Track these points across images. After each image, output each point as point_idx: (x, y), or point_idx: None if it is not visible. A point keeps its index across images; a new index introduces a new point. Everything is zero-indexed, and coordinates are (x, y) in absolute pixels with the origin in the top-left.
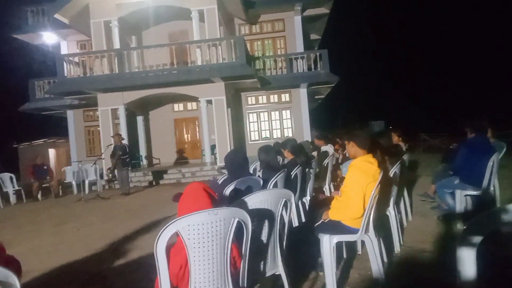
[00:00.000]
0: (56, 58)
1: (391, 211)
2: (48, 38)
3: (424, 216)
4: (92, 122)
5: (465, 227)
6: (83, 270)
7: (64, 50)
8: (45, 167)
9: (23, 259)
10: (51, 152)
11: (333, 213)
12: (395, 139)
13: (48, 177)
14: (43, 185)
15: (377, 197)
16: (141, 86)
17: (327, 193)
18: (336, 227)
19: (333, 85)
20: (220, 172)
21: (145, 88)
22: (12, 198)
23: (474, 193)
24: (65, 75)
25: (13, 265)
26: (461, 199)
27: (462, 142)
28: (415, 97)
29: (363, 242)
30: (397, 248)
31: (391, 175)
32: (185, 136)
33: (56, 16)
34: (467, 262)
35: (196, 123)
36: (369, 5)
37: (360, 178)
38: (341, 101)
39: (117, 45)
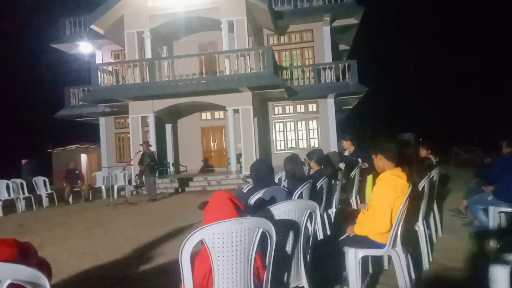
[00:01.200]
0: (91, 67)
1: (420, 227)
2: (84, 47)
3: (455, 232)
4: (122, 129)
5: (498, 245)
6: (110, 274)
7: (98, 59)
8: (77, 172)
9: (54, 260)
10: (83, 158)
11: (359, 228)
12: (423, 152)
13: (79, 182)
14: (74, 189)
15: (405, 212)
16: (170, 94)
17: (354, 206)
18: (362, 241)
19: (361, 95)
20: (245, 181)
21: (174, 97)
22: (45, 201)
23: (509, 210)
24: (99, 83)
25: (44, 267)
26: (495, 216)
27: (497, 156)
28: (447, 109)
29: (390, 257)
30: (426, 265)
31: (420, 189)
32: (212, 144)
33: (92, 26)
34: (500, 281)
35: (223, 131)
36: (399, 16)
37: (388, 192)
38: (370, 112)
39: (148, 55)
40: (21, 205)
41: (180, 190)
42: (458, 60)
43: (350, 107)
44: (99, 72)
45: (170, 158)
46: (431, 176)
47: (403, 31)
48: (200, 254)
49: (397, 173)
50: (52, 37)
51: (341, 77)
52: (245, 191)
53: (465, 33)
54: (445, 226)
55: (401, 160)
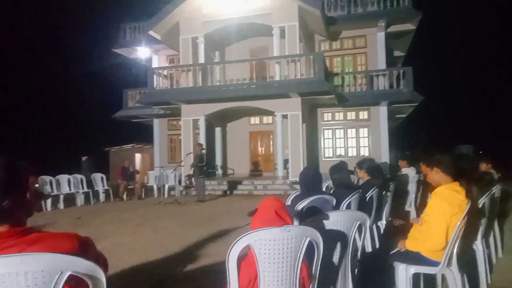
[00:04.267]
0: (147, 71)
1: (478, 246)
2: (142, 52)
3: None
4: (174, 130)
5: None
6: (157, 271)
7: (155, 64)
8: (131, 170)
9: (107, 254)
10: (137, 157)
11: (411, 244)
12: (483, 166)
13: (133, 180)
14: (129, 187)
15: (462, 229)
16: (221, 99)
17: (412, 216)
18: (414, 258)
19: (416, 104)
20: (291, 187)
21: (224, 101)
22: (101, 197)
23: None
24: (155, 86)
25: (101, 262)
26: None
27: None
28: (510, 119)
29: (444, 276)
30: (483, 287)
31: (480, 206)
32: (259, 149)
33: (150, 32)
34: None
35: (271, 136)
36: (459, 21)
37: (444, 208)
38: (425, 121)
39: (202, 60)
40: (80, 199)
41: (228, 193)
42: None
43: (404, 115)
44: (155, 75)
45: (218, 161)
46: (492, 192)
47: (463, 36)
48: (246, 259)
49: (454, 187)
50: (114, 42)
51: (395, 84)
52: (291, 198)
53: None
54: (506, 246)
55: (459, 174)
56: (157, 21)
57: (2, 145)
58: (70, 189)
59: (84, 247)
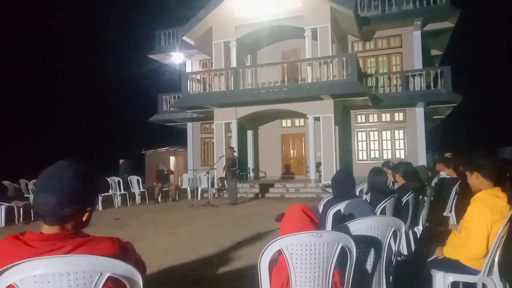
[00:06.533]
0: (181, 76)
1: None
2: (176, 58)
3: None
4: (207, 134)
5: None
6: (191, 273)
7: (188, 69)
8: (166, 172)
9: (143, 255)
10: (172, 159)
11: (449, 251)
12: None
13: (168, 182)
14: (163, 189)
15: (504, 236)
16: (253, 102)
17: (452, 222)
18: (452, 265)
19: (455, 104)
20: (324, 190)
21: (256, 104)
22: (137, 199)
23: None
24: (188, 91)
25: (139, 265)
26: None
27: None
28: None
29: (484, 285)
30: None
31: None
32: (291, 151)
33: (184, 38)
34: None
35: (303, 139)
36: (501, 17)
37: (485, 214)
38: (465, 123)
39: (234, 63)
40: (117, 201)
41: (260, 196)
42: None
43: (442, 116)
44: (188, 80)
45: (250, 164)
46: None
47: (506, 33)
48: (277, 265)
49: (495, 193)
50: (149, 48)
51: (432, 84)
52: (324, 202)
53: None
54: None
55: (501, 178)
56: (190, 27)
57: (42, 148)
58: (108, 191)
59: (124, 251)
